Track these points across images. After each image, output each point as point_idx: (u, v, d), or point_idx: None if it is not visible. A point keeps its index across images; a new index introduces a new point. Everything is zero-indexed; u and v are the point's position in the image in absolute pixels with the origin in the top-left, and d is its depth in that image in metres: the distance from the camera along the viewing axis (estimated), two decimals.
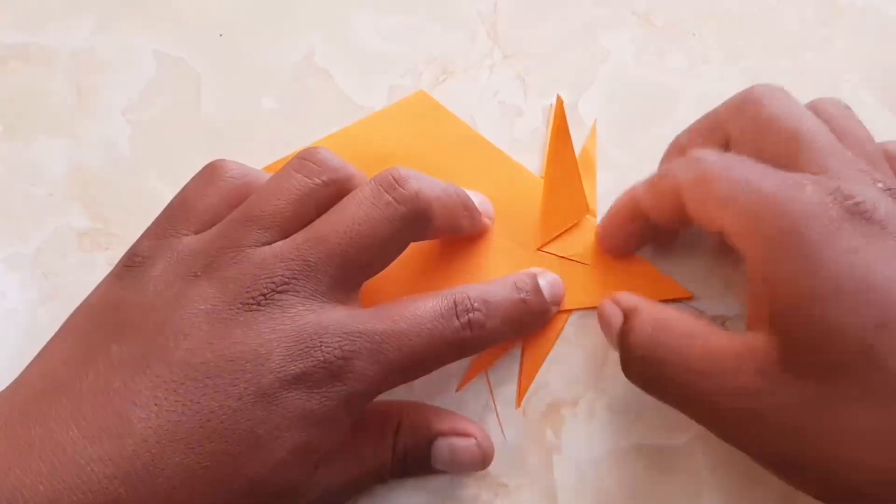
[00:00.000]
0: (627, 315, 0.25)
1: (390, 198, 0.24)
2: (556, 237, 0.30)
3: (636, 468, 0.28)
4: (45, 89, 0.32)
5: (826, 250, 0.22)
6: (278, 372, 0.22)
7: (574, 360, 0.29)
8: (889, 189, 0.23)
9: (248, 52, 0.32)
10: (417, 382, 0.29)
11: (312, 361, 0.23)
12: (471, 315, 0.25)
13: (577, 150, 0.31)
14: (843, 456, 0.21)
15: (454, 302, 0.25)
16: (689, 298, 0.29)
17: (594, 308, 0.29)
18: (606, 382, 0.29)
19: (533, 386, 0.29)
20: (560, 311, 0.29)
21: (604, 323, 0.27)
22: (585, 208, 0.30)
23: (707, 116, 0.28)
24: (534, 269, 0.28)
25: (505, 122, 0.31)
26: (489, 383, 0.29)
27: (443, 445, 0.26)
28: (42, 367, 0.23)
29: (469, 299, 0.25)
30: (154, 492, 0.21)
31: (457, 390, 0.29)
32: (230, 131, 0.31)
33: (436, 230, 0.26)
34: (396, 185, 0.25)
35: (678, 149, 0.28)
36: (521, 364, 0.29)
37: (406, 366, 0.24)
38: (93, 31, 0.32)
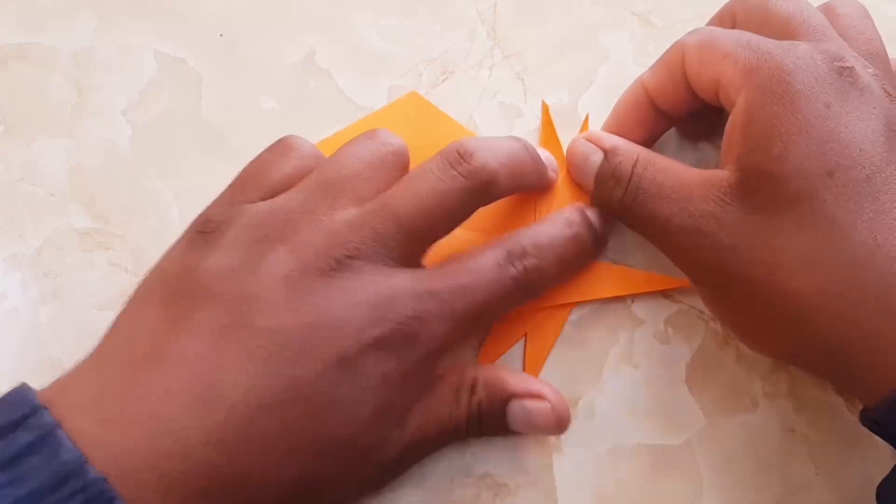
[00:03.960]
0: (610, 151, 0.28)
1: (456, 172, 0.25)
2: None
3: (636, 468, 0.28)
4: (45, 89, 0.32)
5: (804, 100, 0.24)
6: (357, 337, 0.23)
7: (574, 359, 0.29)
8: (875, 75, 0.25)
9: (248, 52, 0.32)
10: None
11: (389, 325, 0.24)
12: (525, 262, 0.26)
13: None
14: (768, 275, 0.24)
15: (507, 250, 0.26)
16: (686, 285, 0.29)
17: (596, 301, 0.29)
18: (606, 382, 0.29)
19: None
20: (561, 306, 0.29)
21: (578, 159, 0.29)
22: None
23: (717, 13, 0.29)
24: (579, 203, 0.29)
25: (505, 123, 0.31)
26: None
27: (517, 408, 0.26)
28: (126, 336, 0.24)
29: (521, 246, 0.26)
30: (243, 454, 0.22)
31: None
32: (230, 131, 0.31)
33: (502, 193, 0.27)
34: (462, 160, 0.25)
35: None
36: (524, 362, 0.29)
37: (474, 317, 0.25)
38: (93, 31, 0.32)
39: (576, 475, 0.28)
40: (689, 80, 0.27)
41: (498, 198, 0.27)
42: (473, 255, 0.26)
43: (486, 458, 0.28)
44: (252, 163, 0.27)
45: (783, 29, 0.26)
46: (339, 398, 0.23)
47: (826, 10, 0.27)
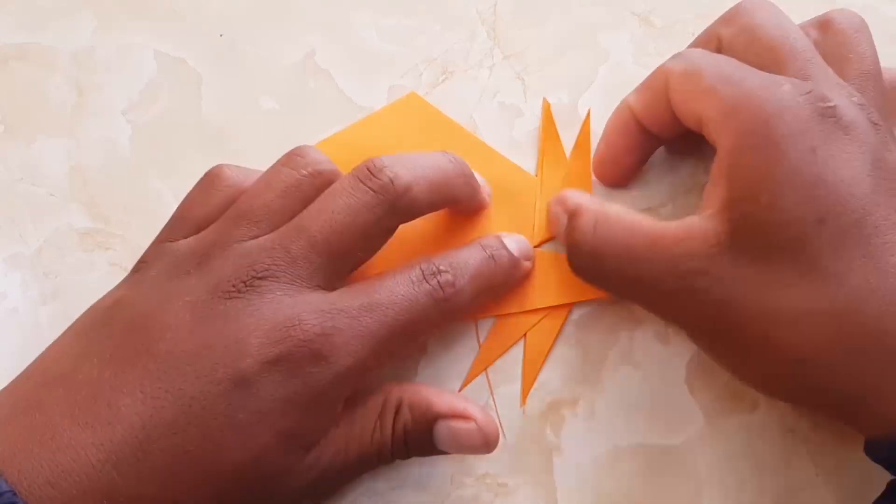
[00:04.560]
0: (571, 214, 0.27)
1: (366, 187, 0.25)
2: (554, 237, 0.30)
3: (636, 468, 0.28)
4: (45, 89, 0.32)
5: (790, 145, 0.23)
6: (257, 356, 0.23)
7: (574, 360, 0.29)
8: (861, 105, 0.25)
9: (248, 52, 0.32)
10: (419, 379, 0.29)
11: (292, 342, 0.23)
12: (439, 277, 0.25)
13: (573, 144, 0.31)
14: (764, 328, 0.23)
15: (420, 269, 0.26)
16: None
17: (593, 300, 0.29)
18: (606, 382, 0.29)
19: (533, 386, 0.29)
20: (560, 307, 0.29)
21: (552, 223, 0.29)
22: None
23: (703, 32, 0.29)
24: (499, 233, 0.29)
25: (505, 123, 0.31)
26: (489, 383, 0.29)
27: (443, 428, 0.26)
28: (43, 361, 0.24)
29: (434, 264, 0.26)
30: (142, 475, 0.22)
31: (459, 390, 0.29)
32: (230, 131, 0.31)
33: (423, 206, 0.26)
34: (372, 175, 0.25)
35: None
36: (524, 361, 0.29)
37: (389, 335, 0.24)
38: (93, 31, 0.32)
39: (576, 475, 0.28)
40: (673, 106, 0.27)
41: (421, 212, 0.26)
42: (387, 274, 0.25)
43: (486, 458, 0.28)
44: (182, 201, 0.27)
45: (768, 54, 0.26)
46: (237, 421, 0.22)
47: (822, 24, 0.27)
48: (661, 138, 0.29)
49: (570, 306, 0.29)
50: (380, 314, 0.24)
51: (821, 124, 0.24)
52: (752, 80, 0.25)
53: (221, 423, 0.22)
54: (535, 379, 0.29)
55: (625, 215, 0.26)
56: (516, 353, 0.29)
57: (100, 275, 0.30)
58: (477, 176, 0.29)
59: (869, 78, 0.26)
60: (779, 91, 0.24)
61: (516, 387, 0.29)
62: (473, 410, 0.26)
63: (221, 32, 0.32)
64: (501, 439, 0.28)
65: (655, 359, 0.29)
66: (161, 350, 0.23)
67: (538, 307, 0.29)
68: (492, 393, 0.29)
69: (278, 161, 0.26)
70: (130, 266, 0.30)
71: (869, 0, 0.31)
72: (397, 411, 0.26)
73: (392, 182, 0.25)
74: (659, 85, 0.27)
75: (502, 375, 0.29)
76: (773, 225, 0.23)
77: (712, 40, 0.28)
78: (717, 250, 0.24)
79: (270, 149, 0.30)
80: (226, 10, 0.33)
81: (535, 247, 0.30)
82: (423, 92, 0.31)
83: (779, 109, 0.24)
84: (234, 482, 0.23)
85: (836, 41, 0.26)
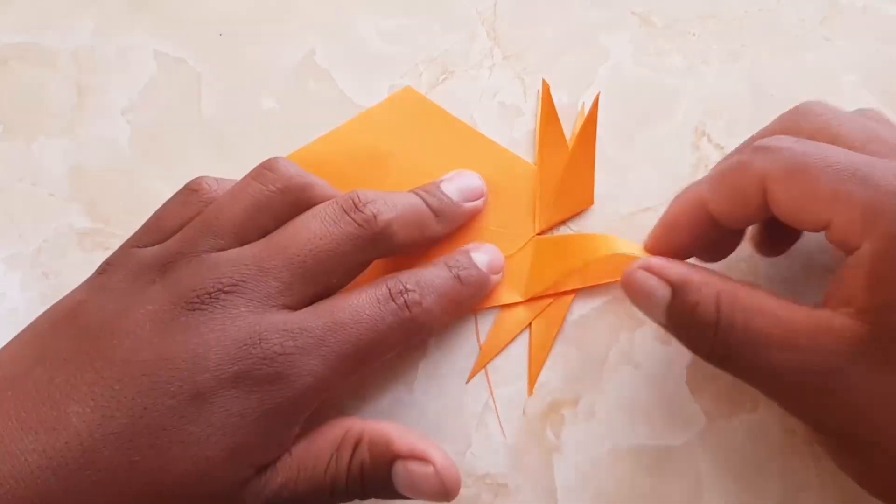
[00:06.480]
0: (679, 288, 0.24)
1: (350, 218, 0.25)
2: (558, 223, 0.30)
3: (636, 468, 0.28)
4: (45, 89, 0.32)
5: None
6: (215, 371, 0.23)
7: (574, 360, 0.29)
8: None
9: (248, 53, 0.32)
10: (419, 380, 0.29)
11: (252, 360, 0.23)
12: (406, 296, 0.25)
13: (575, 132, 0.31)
14: None
15: (387, 287, 0.25)
16: None
17: (596, 300, 0.29)
18: (606, 382, 0.29)
19: (541, 373, 0.29)
20: (566, 292, 0.29)
21: (639, 293, 0.25)
22: (588, 200, 0.30)
23: (760, 132, 0.26)
24: (468, 246, 0.29)
25: (505, 123, 0.31)
26: (489, 383, 0.29)
27: (401, 470, 0.24)
28: (1, 360, 0.24)
29: (401, 282, 0.26)
30: (83, 483, 0.21)
31: (467, 381, 0.29)
32: (230, 131, 0.31)
33: (399, 247, 0.26)
34: (356, 208, 0.25)
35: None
36: (531, 348, 0.29)
37: (352, 354, 0.24)
38: (93, 31, 0.32)
39: (576, 475, 0.28)
40: (774, 211, 0.24)
41: (395, 250, 0.26)
42: (352, 293, 0.25)
43: (486, 458, 0.28)
44: (158, 209, 0.27)
45: (858, 149, 0.23)
46: (189, 434, 0.22)
47: (867, 115, 0.25)
48: (736, 230, 0.27)
49: (573, 292, 0.29)
50: (343, 334, 0.24)
51: None
52: (881, 174, 0.22)
53: (171, 434, 0.22)
54: (542, 366, 0.29)
55: (747, 290, 0.23)
56: (517, 353, 0.29)
57: None
58: (473, 174, 0.29)
59: None
60: None
61: (516, 387, 0.29)
62: (434, 453, 0.24)
63: (221, 32, 0.32)
64: (501, 439, 0.28)
65: (656, 359, 0.29)
66: (117, 358, 0.23)
67: (542, 294, 0.29)
68: (491, 393, 0.29)
69: (249, 174, 0.26)
70: None
71: (869, 0, 0.31)
72: (356, 447, 0.24)
73: (375, 217, 0.25)
74: (745, 183, 0.24)
75: (502, 375, 0.29)
76: None
77: (789, 127, 0.25)
78: (856, 353, 0.22)
79: (270, 149, 0.30)
80: (226, 10, 0.33)
81: (537, 234, 0.30)
82: (423, 92, 0.31)
83: None
84: (179, 496, 0.22)
85: (889, 129, 0.25)
